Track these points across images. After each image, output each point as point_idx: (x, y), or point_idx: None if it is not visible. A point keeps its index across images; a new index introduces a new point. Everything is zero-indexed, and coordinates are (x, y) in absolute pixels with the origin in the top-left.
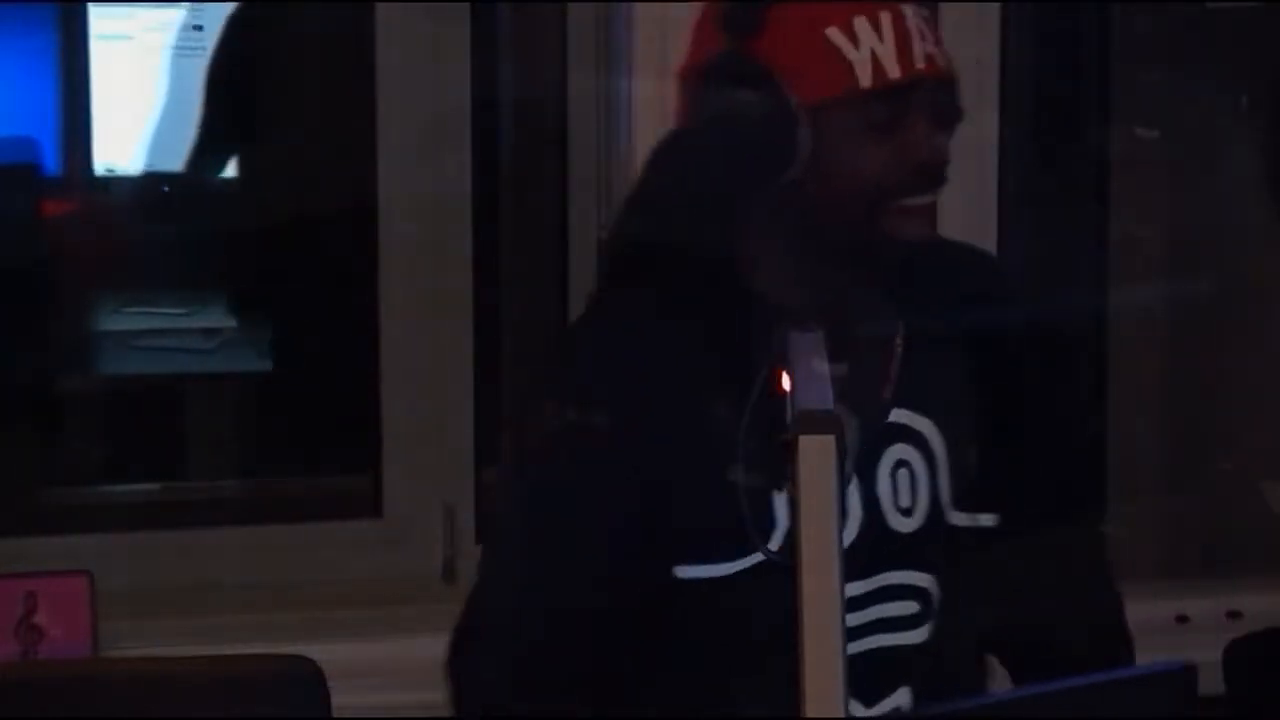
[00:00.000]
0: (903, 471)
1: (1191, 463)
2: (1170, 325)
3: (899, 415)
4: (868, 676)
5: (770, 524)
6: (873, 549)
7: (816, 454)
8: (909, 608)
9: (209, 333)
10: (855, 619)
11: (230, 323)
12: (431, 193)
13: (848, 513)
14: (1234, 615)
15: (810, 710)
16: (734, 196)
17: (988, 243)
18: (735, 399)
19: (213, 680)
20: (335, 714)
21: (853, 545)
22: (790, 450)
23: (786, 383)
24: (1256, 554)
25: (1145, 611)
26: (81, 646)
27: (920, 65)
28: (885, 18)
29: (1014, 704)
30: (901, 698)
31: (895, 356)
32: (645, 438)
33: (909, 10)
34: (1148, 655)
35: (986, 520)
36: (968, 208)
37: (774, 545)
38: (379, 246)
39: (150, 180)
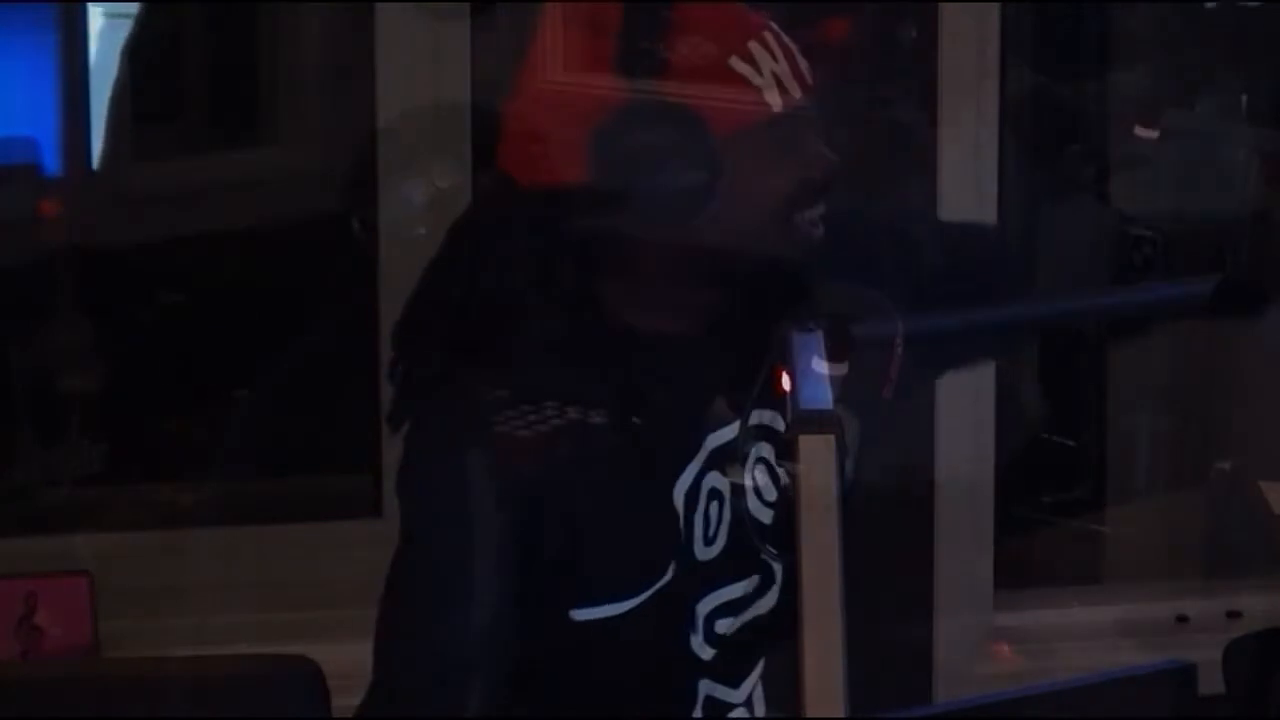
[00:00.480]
0: (760, 468)
1: (1191, 463)
2: (1170, 325)
3: (761, 416)
4: (735, 662)
5: (669, 557)
6: (744, 548)
7: (817, 454)
8: (754, 582)
9: (209, 332)
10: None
11: (230, 322)
12: (431, 193)
13: (724, 520)
14: (1234, 615)
15: (810, 710)
16: (632, 238)
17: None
18: (623, 438)
19: (213, 680)
20: (335, 714)
21: (726, 550)
22: (790, 450)
23: (786, 383)
24: (1256, 554)
25: (1145, 611)
26: (81, 646)
27: (809, 80)
28: (769, 37)
29: (1014, 704)
30: (758, 672)
31: (895, 356)
32: (537, 493)
33: (775, 26)
34: (1148, 655)
35: None
36: (968, 208)
37: (668, 575)
38: (379, 246)
39: (148, 177)
